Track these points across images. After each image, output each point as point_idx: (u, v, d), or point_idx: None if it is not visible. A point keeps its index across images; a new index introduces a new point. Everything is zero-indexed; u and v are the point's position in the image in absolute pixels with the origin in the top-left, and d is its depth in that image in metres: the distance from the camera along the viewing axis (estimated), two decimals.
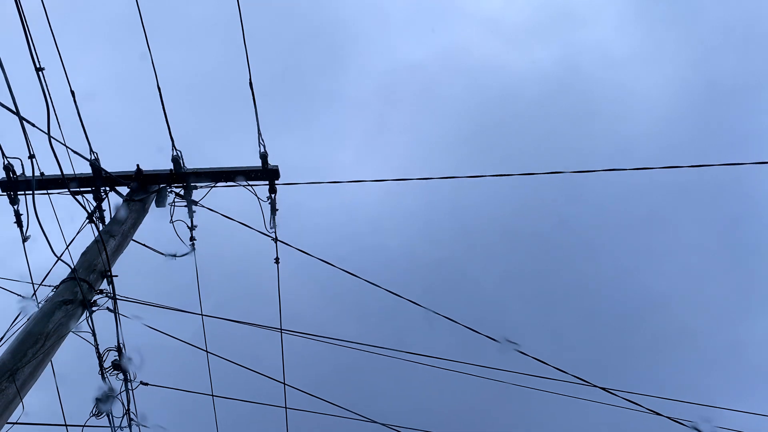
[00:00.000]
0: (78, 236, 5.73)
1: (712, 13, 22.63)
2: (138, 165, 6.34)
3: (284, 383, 6.52)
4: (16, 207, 5.86)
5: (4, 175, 5.86)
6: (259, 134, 6.17)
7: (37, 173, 5.17)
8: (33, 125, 4.63)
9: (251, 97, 5.89)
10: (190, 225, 6.56)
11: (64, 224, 5.67)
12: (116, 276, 5.52)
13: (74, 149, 5.41)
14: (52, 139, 4.61)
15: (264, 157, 6.37)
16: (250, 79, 5.68)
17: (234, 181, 6.49)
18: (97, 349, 5.61)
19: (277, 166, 6.49)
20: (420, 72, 23.98)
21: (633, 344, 20.58)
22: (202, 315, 6.43)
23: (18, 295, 5.62)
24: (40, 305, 5.19)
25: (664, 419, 5.89)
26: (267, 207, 6.62)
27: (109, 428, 5.79)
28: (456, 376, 6.44)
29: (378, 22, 24.71)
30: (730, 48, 22.03)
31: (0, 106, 4.13)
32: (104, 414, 5.72)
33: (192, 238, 6.60)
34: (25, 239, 5.58)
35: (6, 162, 5.69)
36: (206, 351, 6.34)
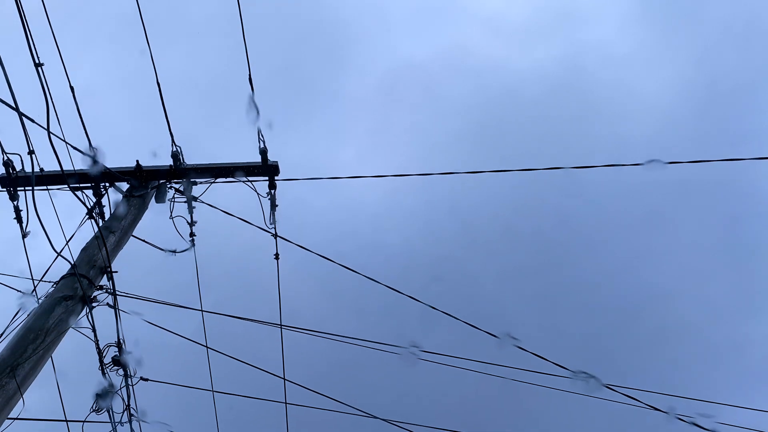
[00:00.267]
0: (78, 232, 5.73)
1: (714, 12, 22.60)
2: (137, 161, 6.34)
3: (284, 378, 6.53)
4: (15, 203, 5.86)
5: (4, 171, 5.86)
6: (259, 130, 6.17)
7: (36, 169, 5.17)
8: (32, 121, 4.63)
9: (251, 93, 5.88)
10: (189, 221, 6.57)
11: (64, 220, 5.67)
12: (116, 272, 5.52)
13: (74, 145, 5.41)
14: (51, 135, 4.61)
15: (264, 153, 6.37)
16: (250, 75, 5.68)
17: (234, 177, 6.50)
18: (97, 344, 5.62)
19: (276, 161, 6.49)
20: (421, 71, 23.97)
21: (633, 341, 20.60)
22: (202, 311, 6.45)
23: (18, 291, 5.63)
24: (40, 301, 5.20)
25: (663, 415, 5.89)
26: (267, 203, 6.63)
27: (110, 424, 5.80)
28: (456, 372, 6.45)
29: (379, 21, 24.69)
30: (732, 47, 22.01)
31: None
32: (104, 410, 5.73)
33: (192, 234, 6.61)
34: (24, 235, 5.58)
35: (5, 158, 5.69)
36: (206, 347, 6.35)
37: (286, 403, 6.73)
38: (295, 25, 22.07)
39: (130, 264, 5.87)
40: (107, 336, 5.69)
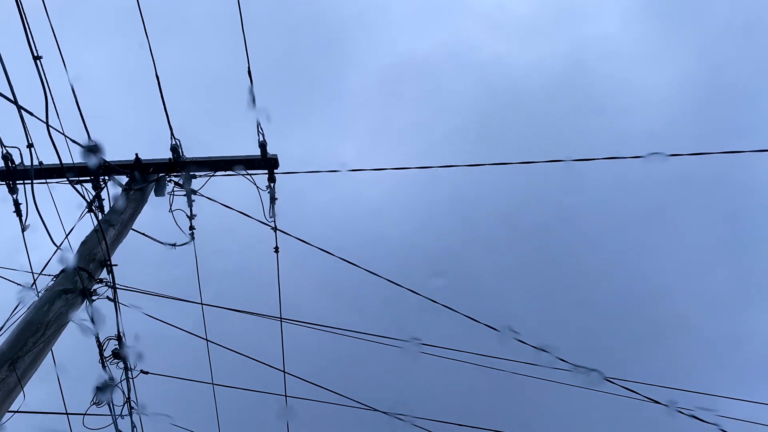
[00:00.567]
0: (77, 226, 5.73)
1: (716, 7, 22.53)
2: (137, 154, 6.33)
3: (284, 371, 6.54)
4: (15, 196, 5.86)
5: (3, 165, 5.85)
6: (258, 123, 6.16)
7: (35, 163, 5.17)
8: (31, 114, 4.62)
9: (250, 86, 5.86)
10: (189, 214, 6.56)
11: (63, 214, 5.67)
12: (116, 265, 5.52)
13: (73, 138, 5.41)
14: (50, 129, 4.61)
15: (263, 146, 6.35)
16: (249, 68, 5.66)
17: (233, 170, 6.49)
18: (97, 338, 5.62)
19: (276, 155, 6.47)
20: (423, 66, 23.92)
21: (632, 335, 20.62)
22: (201, 304, 6.44)
23: (18, 284, 5.63)
24: (39, 294, 5.20)
25: (663, 408, 5.89)
26: (266, 196, 6.62)
27: (110, 417, 5.81)
28: (456, 365, 6.45)
29: (381, 17, 24.62)
30: (733, 42, 21.95)
31: None
32: (105, 403, 5.74)
33: (191, 227, 6.60)
34: (24, 228, 5.58)
35: (4, 151, 5.68)
36: (206, 339, 6.35)
37: (285, 395, 6.74)
38: (296, 21, 22.02)
39: (130, 258, 5.87)
40: (107, 330, 5.70)
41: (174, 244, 6.54)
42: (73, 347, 5.34)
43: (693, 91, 22.79)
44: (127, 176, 6.29)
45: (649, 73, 23.48)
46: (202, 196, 6.50)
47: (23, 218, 5.77)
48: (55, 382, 5.55)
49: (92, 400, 5.68)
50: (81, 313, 5.15)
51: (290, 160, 6.65)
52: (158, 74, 5.67)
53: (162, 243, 6.46)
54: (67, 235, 5.40)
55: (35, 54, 4.49)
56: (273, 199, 6.62)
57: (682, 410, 5.81)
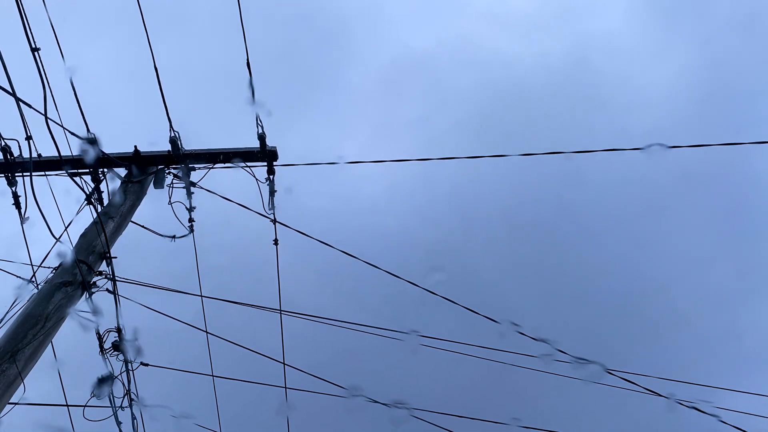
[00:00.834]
0: (76, 218, 5.73)
1: (719, 3, 22.46)
2: (135, 146, 6.32)
3: (284, 363, 6.55)
4: (13, 189, 5.85)
5: (1, 157, 5.83)
6: (257, 115, 6.15)
7: (34, 155, 5.16)
8: (29, 106, 4.61)
9: (249, 78, 5.85)
10: (188, 206, 6.56)
11: (63, 207, 5.67)
12: (115, 257, 5.52)
13: (71, 131, 5.39)
14: (49, 121, 4.60)
15: (262, 138, 6.34)
16: (248, 59, 5.64)
17: (232, 163, 6.48)
18: (97, 330, 5.63)
19: (275, 147, 6.46)
20: (424, 62, 23.86)
21: (632, 329, 20.66)
22: (201, 296, 6.45)
23: (17, 276, 5.63)
24: (39, 287, 5.20)
25: (663, 400, 5.91)
26: (266, 189, 6.61)
27: (110, 409, 5.82)
28: (456, 357, 6.46)
29: (382, 12, 24.53)
30: (736, 39, 21.91)
31: None
32: (105, 395, 5.75)
33: (191, 220, 6.59)
34: (23, 221, 5.57)
35: (3, 143, 5.66)
36: (206, 332, 6.36)
37: (285, 387, 6.75)
38: (297, 16, 21.93)
39: (130, 251, 5.87)
40: (107, 322, 5.71)
41: (173, 237, 6.54)
42: (73, 340, 5.35)
43: (695, 87, 22.76)
44: (126, 168, 6.28)
45: (650, 69, 23.45)
46: (202, 188, 6.50)
47: (22, 211, 5.76)
48: (56, 376, 5.57)
49: (92, 391, 5.69)
50: (81, 306, 5.16)
51: (291, 155, 6.65)
52: (157, 67, 5.66)
53: (161, 235, 6.46)
54: (66, 228, 5.41)
55: (33, 46, 4.48)
56: (272, 192, 6.62)
57: (681, 402, 5.83)
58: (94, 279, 5.31)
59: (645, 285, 21.52)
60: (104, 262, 5.48)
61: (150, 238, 6.39)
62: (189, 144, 6.54)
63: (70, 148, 5.54)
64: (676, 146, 5.61)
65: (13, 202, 5.82)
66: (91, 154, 5.95)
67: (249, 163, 6.51)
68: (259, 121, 6.24)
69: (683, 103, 22.50)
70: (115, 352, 5.75)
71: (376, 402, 6.32)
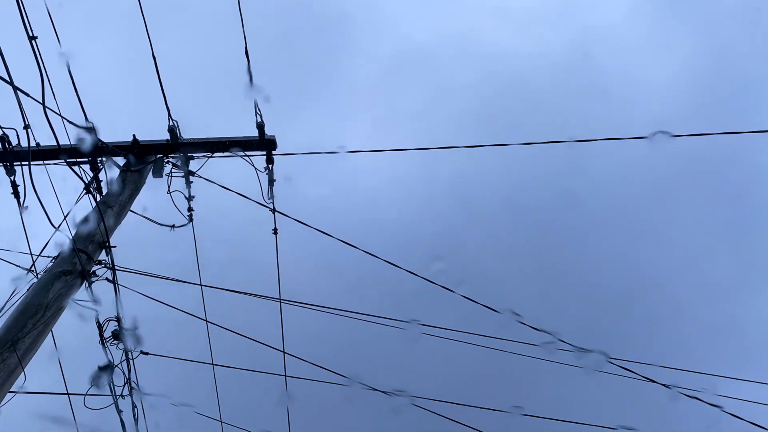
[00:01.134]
0: (75, 207, 5.72)
1: None
2: (134, 135, 6.30)
3: (284, 352, 6.56)
4: (12, 178, 5.84)
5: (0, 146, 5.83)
6: (256, 104, 6.12)
7: (32, 144, 5.15)
8: (27, 95, 4.59)
9: (247, 66, 5.82)
10: (187, 196, 6.55)
11: (61, 196, 5.66)
12: (114, 246, 5.53)
13: (69, 119, 5.37)
14: (47, 110, 4.59)
15: (261, 126, 6.32)
16: (246, 47, 5.61)
17: (231, 152, 6.46)
18: (97, 319, 5.64)
19: (273, 135, 6.44)
20: (427, 56, 23.76)
21: (633, 319, 20.71)
22: (201, 285, 6.45)
23: (17, 266, 5.63)
24: (39, 276, 5.21)
25: (664, 389, 5.93)
26: (265, 178, 6.60)
27: (110, 397, 5.84)
28: (456, 346, 6.47)
29: (384, 5, 24.39)
30: (739, 32, 21.79)
31: None
32: (105, 384, 5.77)
33: (190, 209, 6.59)
34: (22, 210, 5.57)
35: (1, 132, 5.65)
36: (206, 320, 6.37)
37: (285, 375, 6.78)
38: (297, 7, 21.81)
39: (129, 241, 5.87)
40: (107, 311, 5.72)
41: (173, 226, 6.53)
42: (73, 329, 5.36)
43: (697, 80, 22.68)
44: (124, 158, 6.26)
45: (653, 62, 23.35)
46: (200, 177, 6.49)
47: (21, 200, 5.75)
48: (57, 367, 5.59)
49: (92, 380, 5.71)
50: (80, 295, 5.17)
51: (292, 148, 6.64)
52: (155, 56, 5.63)
53: (161, 224, 6.46)
54: (65, 217, 5.40)
55: (30, 34, 4.46)
56: (271, 181, 6.60)
57: (681, 391, 5.84)
58: (94, 268, 5.32)
59: (646, 276, 21.56)
60: (103, 251, 5.48)
61: (149, 227, 6.39)
62: (188, 134, 6.53)
63: (69, 137, 5.53)
64: (679, 135, 5.59)
65: (12, 191, 5.82)
66: (89, 143, 5.94)
67: (248, 152, 6.49)
68: (257, 110, 6.22)
69: (685, 96, 22.44)
70: (115, 341, 5.77)
71: (375, 390, 6.35)
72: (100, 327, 5.64)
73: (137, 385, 6.04)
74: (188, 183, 6.55)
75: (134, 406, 6.11)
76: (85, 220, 5.51)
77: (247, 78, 5.85)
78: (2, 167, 5.86)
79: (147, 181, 6.26)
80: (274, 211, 6.54)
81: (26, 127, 4.94)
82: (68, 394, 5.61)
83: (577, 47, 23.55)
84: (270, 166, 6.56)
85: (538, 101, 22.36)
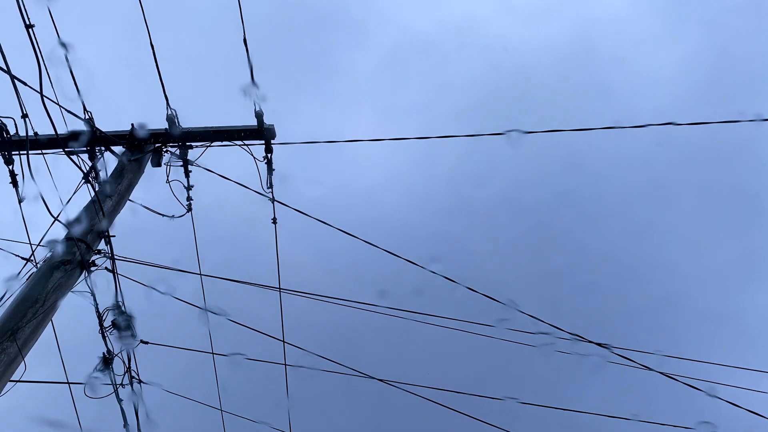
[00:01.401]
0: (74, 197, 5.70)
1: None
2: (132, 124, 6.27)
3: (283, 341, 6.58)
4: (11, 167, 5.82)
5: None
6: (254, 92, 6.09)
7: (30, 134, 5.12)
8: (24, 84, 4.57)
9: (247, 55, 5.78)
10: (186, 185, 6.53)
11: (60, 185, 5.63)
12: (114, 236, 5.52)
13: (67, 108, 5.35)
14: (45, 99, 4.57)
15: (259, 116, 6.29)
16: (244, 36, 5.58)
17: (229, 141, 6.44)
18: (96, 308, 5.64)
19: (272, 124, 6.42)
20: (428, 48, 23.65)
21: (632, 310, 20.78)
22: (200, 275, 6.46)
23: (16, 255, 5.63)
24: (38, 266, 5.20)
25: (663, 379, 5.95)
26: (264, 168, 6.58)
27: (111, 386, 5.86)
28: (454, 335, 6.49)
29: None
30: (742, 24, 21.69)
31: None
32: (105, 372, 5.78)
33: (189, 198, 6.57)
34: (21, 200, 5.55)
35: None
36: (205, 309, 6.37)
37: (285, 364, 6.80)
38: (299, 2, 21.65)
39: (128, 230, 5.86)
40: (107, 301, 5.72)
41: (172, 216, 6.52)
42: (73, 319, 5.37)
43: (700, 73, 22.60)
44: (123, 147, 6.24)
45: (656, 54, 23.27)
46: (199, 166, 6.47)
47: (20, 189, 5.73)
48: (57, 358, 5.60)
49: (93, 369, 5.72)
50: (80, 285, 5.17)
51: (291, 140, 6.61)
52: (153, 45, 5.60)
53: (160, 214, 6.44)
54: (64, 206, 5.38)
55: (27, 23, 4.43)
56: (270, 170, 6.58)
57: (679, 379, 5.87)
58: (93, 258, 5.31)
59: (646, 267, 21.61)
60: (103, 240, 5.47)
61: (149, 219, 6.38)
62: (187, 124, 6.51)
63: (67, 126, 5.51)
64: (670, 123, 5.58)
65: (10, 180, 5.80)
66: (87, 132, 5.91)
67: (246, 142, 6.47)
68: (256, 99, 6.19)
69: (688, 88, 22.38)
70: (115, 331, 5.77)
71: (372, 378, 6.37)
72: (99, 316, 5.64)
73: (137, 375, 6.06)
74: (187, 172, 6.53)
75: (135, 395, 6.13)
76: (84, 209, 5.50)
77: (246, 67, 5.83)
78: (0, 156, 5.84)
79: (145, 171, 6.24)
80: (273, 200, 6.53)
81: (24, 116, 4.92)
82: (69, 383, 5.62)
83: (581, 40, 23.46)
84: (269, 155, 6.54)
85: (541, 93, 22.31)
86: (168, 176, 6.38)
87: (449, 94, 23.03)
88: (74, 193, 5.66)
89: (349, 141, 6.62)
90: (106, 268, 5.41)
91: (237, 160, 6.57)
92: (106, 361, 5.67)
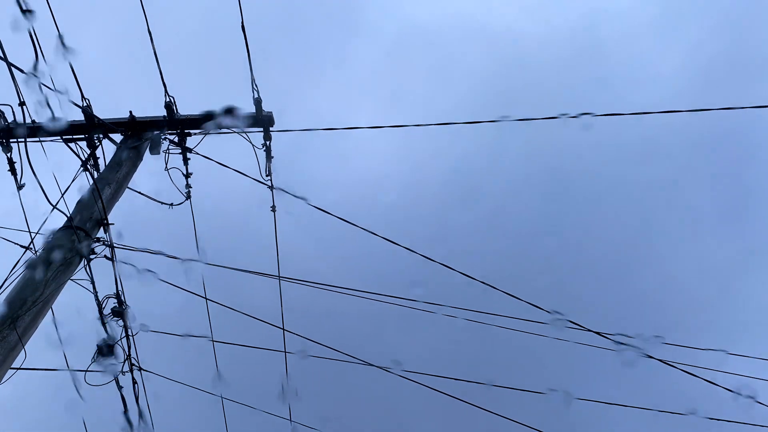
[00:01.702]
0: (72, 185, 5.69)
1: None
2: (131, 111, 6.25)
3: (283, 329, 6.60)
4: (9, 155, 5.80)
5: None
6: (253, 80, 6.05)
7: (28, 121, 5.10)
8: (21, 71, 4.54)
9: (245, 42, 5.75)
10: (185, 172, 6.51)
11: (58, 174, 5.62)
12: (113, 224, 5.51)
13: (65, 95, 5.32)
14: (42, 86, 4.54)
15: (258, 102, 6.26)
16: (242, 22, 5.54)
17: (228, 128, 6.41)
18: (96, 296, 5.64)
19: (271, 111, 6.39)
20: (432, 38, 23.51)
21: (628, 299, 20.85)
22: (200, 262, 6.45)
23: (15, 243, 5.63)
24: (37, 254, 5.20)
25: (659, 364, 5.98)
26: (263, 155, 6.56)
27: (111, 374, 5.88)
28: (453, 322, 6.51)
29: None
30: (750, 18, 21.56)
31: None
32: (105, 360, 5.80)
33: (188, 186, 6.56)
34: (19, 187, 5.53)
35: None
36: (205, 298, 6.38)
37: (285, 351, 6.82)
38: None
39: (128, 219, 5.85)
40: (106, 288, 5.73)
41: (171, 204, 6.51)
42: (72, 307, 5.37)
43: (704, 65, 22.50)
44: (121, 134, 6.22)
45: (660, 45, 23.15)
46: (198, 154, 6.45)
47: (18, 177, 5.71)
48: (58, 348, 5.60)
49: (93, 357, 5.74)
50: (79, 273, 5.17)
51: (297, 137, 6.59)
52: (151, 31, 5.56)
53: (159, 202, 6.44)
54: (63, 194, 5.37)
55: (23, 7, 4.39)
56: (269, 157, 6.56)
57: (677, 365, 5.89)
58: (92, 246, 5.31)
59: (642, 255, 21.66)
60: (102, 228, 5.47)
61: (148, 208, 6.37)
62: (185, 112, 6.47)
63: (65, 114, 5.48)
64: (670, 111, 5.57)
65: (8, 168, 5.79)
66: (86, 120, 5.89)
67: (245, 129, 6.44)
68: (254, 86, 6.16)
69: (691, 80, 22.28)
70: (115, 318, 5.79)
71: (372, 365, 6.39)
72: (99, 304, 5.65)
73: (137, 362, 6.08)
74: (185, 159, 6.51)
75: (134, 383, 6.15)
76: (83, 197, 5.49)
77: (245, 56, 5.79)
78: None
79: (144, 159, 6.22)
80: (272, 188, 6.52)
81: (21, 104, 4.90)
82: (69, 370, 5.64)
83: (584, 30, 23.35)
84: (267, 142, 6.52)
85: (544, 82, 22.22)
86: (167, 164, 6.37)
87: (453, 83, 22.97)
88: (73, 180, 5.65)
89: (347, 128, 6.59)
90: (105, 256, 5.41)
91: (237, 149, 6.56)
92: (101, 350, 5.68)
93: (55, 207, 5.11)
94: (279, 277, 6.42)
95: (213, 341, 6.91)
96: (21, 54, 4.42)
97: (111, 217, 5.50)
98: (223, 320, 6.79)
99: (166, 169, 6.36)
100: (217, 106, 6.33)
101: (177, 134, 6.41)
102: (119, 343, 5.83)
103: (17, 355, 4.44)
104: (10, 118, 5.67)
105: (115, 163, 5.93)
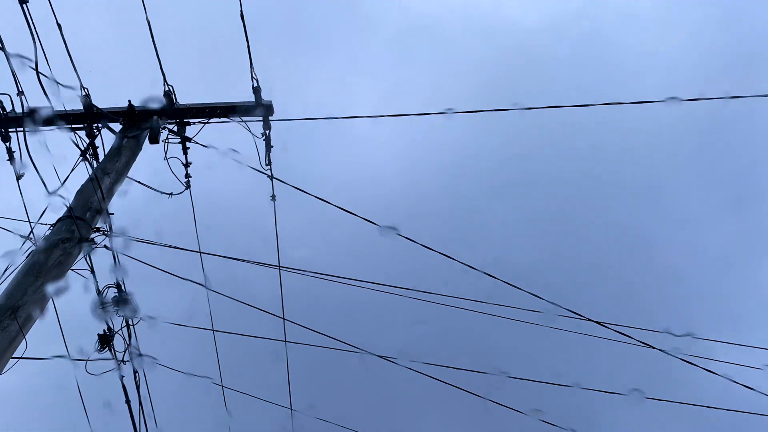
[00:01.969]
0: (72, 175, 5.68)
1: None
2: (130, 101, 6.22)
3: (284, 318, 6.62)
4: (8, 144, 5.79)
5: None
6: (252, 68, 6.04)
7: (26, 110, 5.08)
8: (21, 56, 4.52)
9: (245, 30, 5.73)
10: (184, 162, 6.50)
11: (57, 164, 5.61)
12: (112, 214, 5.51)
13: (64, 84, 5.29)
14: (40, 75, 4.52)
15: (257, 91, 6.24)
16: (242, 11, 5.52)
17: (228, 117, 6.39)
18: (96, 286, 5.65)
19: (270, 101, 6.38)
20: (435, 29, 23.42)
21: (630, 288, 20.87)
22: (200, 252, 6.46)
23: (15, 233, 5.62)
24: (37, 244, 5.20)
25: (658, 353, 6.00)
26: (262, 144, 6.54)
27: (113, 362, 5.89)
28: (454, 312, 6.52)
29: None
30: (752, 6, 21.46)
31: None
32: (106, 349, 5.81)
33: (187, 175, 6.55)
34: (18, 177, 5.52)
35: None
36: (205, 287, 6.39)
37: (285, 341, 6.84)
38: None
39: (127, 210, 5.86)
40: (106, 278, 5.73)
41: (170, 194, 6.51)
42: (73, 296, 5.38)
43: (707, 52, 22.40)
44: (120, 124, 6.20)
45: (664, 34, 23.05)
46: (197, 143, 6.43)
47: (17, 167, 5.70)
48: (59, 339, 5.62)
49: (95, 346, 5.75)
50: (79, 262, 5.17)
51: (296, 124, 6.57)
52: (150, 21, 5.54)
53: (158, 191, 6.43)
54: (62, 183, 5.36)
55: None
56: (268, 146, 6.55)
57: (671, 353, 5.91)
58: (92, 235, 5.31)
59: (643, 242, 21.67)
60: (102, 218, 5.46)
61: (148, 198, 6.37)
62: (185, 102, 6.46)
63: (63, 104, 5.46)
64: (671, 98, 5.56)
65: (7, 158, 5.78)
66: (84, 109, 5.87)
67: (244, 118, 6.43)
68: (253, 75, 6.14)
69: (694, 68, 22.18)
70: (116, 308, 5.79)
71: (372, 354, 6.41)
72: (99, 293, 5.65)
73: (138, 351, 6.09)
74: (185, 149, 6.50)
75: (135, 372, 6.17)
76: (83, 187, 5.48)
77: (245, 46, 5.77)
78: None
79: (143, 148, 6.21)
80: (271, 177, 6.52)
81: (20, 93, 4.88)
82: (70, 359, 5.65)
83: (586, 18, 23.25)
84: (267, 131, 6.50)
85: (547, 74, 22.14)
86: (166, 153, 6.36)
87: (457, 75, 22.89)
88: (72, 169, 5.64)
89: (347, 117, 6.57)
90: (105, 246, 5.41)
91: (237, 138, 6.54)
92: (103, 339, 5.69)
93: (53, 194, 5.10)
94: (279, 267, 6.43)
95: (213, 330, 6.94)
96: (20, 43, 4.41)
97: (111, 208, 5.50)
98: (223, 310, 6.81)
99: (166, 158, 6.36)
100: (216, 96, 6.32)
101: (176, 123, 6.39)
102: (120, 332, 5.84)
103: (18, 345, 4.45)
104: (9, 108, 5.66)
105: (114, 152, 5.92)
